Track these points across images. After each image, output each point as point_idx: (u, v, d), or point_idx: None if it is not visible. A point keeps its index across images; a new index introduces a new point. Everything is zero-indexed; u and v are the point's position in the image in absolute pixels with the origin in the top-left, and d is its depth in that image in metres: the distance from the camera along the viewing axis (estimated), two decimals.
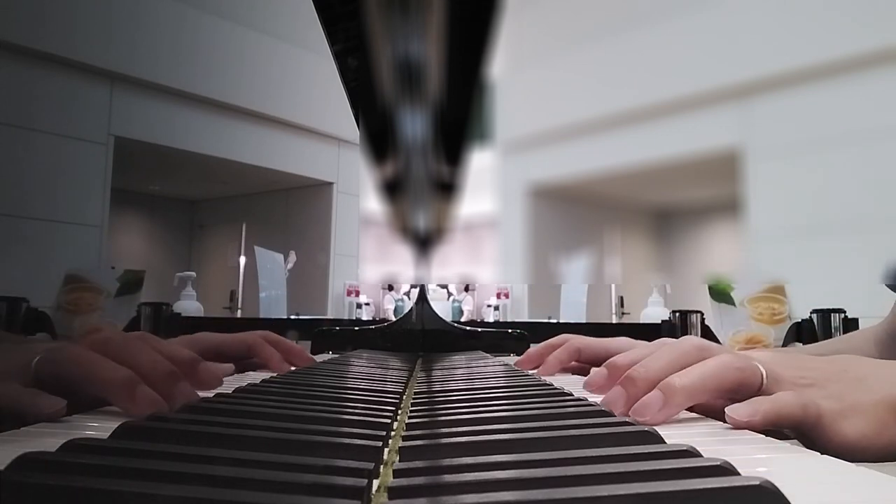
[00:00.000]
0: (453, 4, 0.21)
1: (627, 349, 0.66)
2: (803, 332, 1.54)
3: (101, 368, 0.37)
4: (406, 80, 0.24)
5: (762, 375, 0.37)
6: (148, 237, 6.73)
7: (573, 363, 0.71)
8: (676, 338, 0.46)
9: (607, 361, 0.49)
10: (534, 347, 0.74)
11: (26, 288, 1.58)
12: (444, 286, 5.18)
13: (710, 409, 0.39)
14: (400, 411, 0.38)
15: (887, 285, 0.64)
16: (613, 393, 0.39)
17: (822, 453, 0.32)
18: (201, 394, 0.41)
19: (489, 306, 5.54)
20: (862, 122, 4.23)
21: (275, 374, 0.58)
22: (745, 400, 0.37)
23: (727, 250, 6.61)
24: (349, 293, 5.64)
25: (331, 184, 5.96)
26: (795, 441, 0.35)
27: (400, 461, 0.23)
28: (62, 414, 0.35)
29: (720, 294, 1.76)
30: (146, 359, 0.40)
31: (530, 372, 0.69)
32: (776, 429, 0.35)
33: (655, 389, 0.37)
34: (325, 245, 5.84)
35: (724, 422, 0.36)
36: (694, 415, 0.40)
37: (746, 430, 0.34)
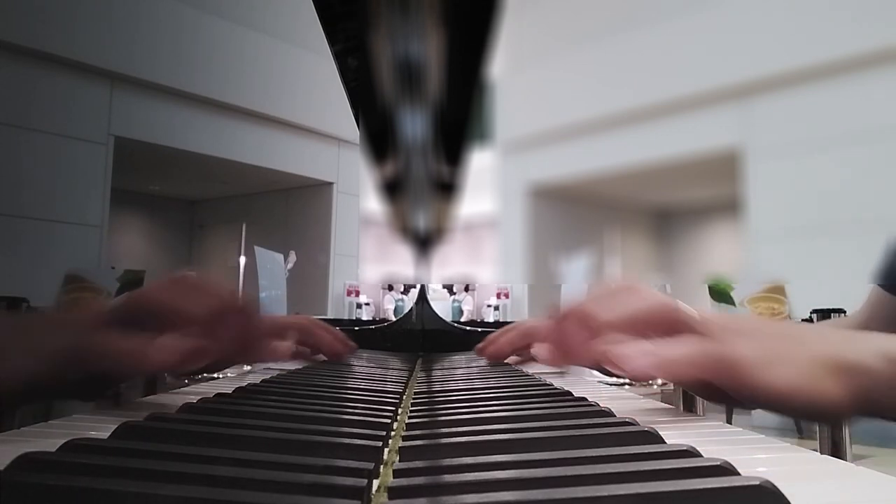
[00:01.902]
0: (453, 4, 0.21)
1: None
2: None
3: (191, 300, 0.39)
4: (406, 80, 0.24)
5: (685, 312, 0.37)
6: (148, 237, 6.73)
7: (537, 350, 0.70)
8: None
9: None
10: (493, 333, 0.73)
11: (26, 288, 1.59)
12: (449, 286, 5.18)
13: (693, 386, 0.39)
14: (400, 411, 0.38)
15: (879, 285, 0.64)
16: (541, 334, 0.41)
17: (746, 404, 0.31)
18: (207, 391, 0.41)
19: (489, 306, 5.55)
20: (862, 122, 4.23)
21: (275, 375, 0.58)
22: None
23: (727, 250, 6.62)
24: (349, 293, 5.64)
25: (331, 184, 5.96)
26: (795, 441, 0.34)
27: (400, 461, 0.23)
28: (187, 365, 0.36)
29: (720, 294, 1.76)
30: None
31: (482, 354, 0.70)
32: (687, 380, 0.35)
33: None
34: (325, 245, 5.84)
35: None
36: (694, 415, 0.40)
37: (747, 430, 0.33)
